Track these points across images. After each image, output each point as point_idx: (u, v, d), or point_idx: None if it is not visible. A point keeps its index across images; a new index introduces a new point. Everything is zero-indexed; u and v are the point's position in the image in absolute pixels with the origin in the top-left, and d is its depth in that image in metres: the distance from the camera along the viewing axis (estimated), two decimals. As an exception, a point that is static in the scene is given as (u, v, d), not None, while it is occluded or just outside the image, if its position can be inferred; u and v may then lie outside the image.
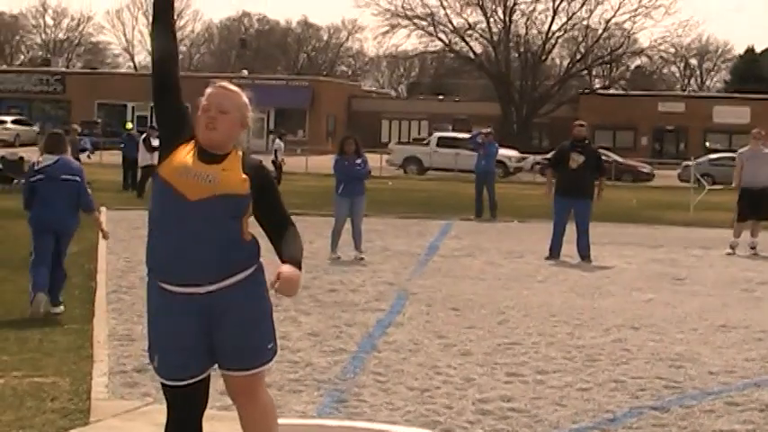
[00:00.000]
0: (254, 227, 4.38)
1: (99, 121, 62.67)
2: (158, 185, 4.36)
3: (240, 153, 4.41)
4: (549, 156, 17.02)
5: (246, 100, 4.47)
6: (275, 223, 4.42)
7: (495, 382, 7.32)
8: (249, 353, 4.36)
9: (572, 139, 15.13)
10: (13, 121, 58.61)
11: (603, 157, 16.47)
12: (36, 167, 9.57)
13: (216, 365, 4.42)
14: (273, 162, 29.58)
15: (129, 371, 7.26)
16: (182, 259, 4.25)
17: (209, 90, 4.42)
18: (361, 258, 14.08)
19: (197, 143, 4.37)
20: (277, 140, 30.83)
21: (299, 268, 4.28)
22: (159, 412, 5.03)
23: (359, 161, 14.34)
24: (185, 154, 4.34)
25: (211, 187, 4.26)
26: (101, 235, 10.21)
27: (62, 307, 9.58)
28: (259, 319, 4.38)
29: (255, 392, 4.42)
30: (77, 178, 9.54)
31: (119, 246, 14.43)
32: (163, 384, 4.44)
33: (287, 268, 4.22)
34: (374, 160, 30.25)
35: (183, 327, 4.32)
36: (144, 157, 25.36)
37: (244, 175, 4.32)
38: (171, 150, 4.36)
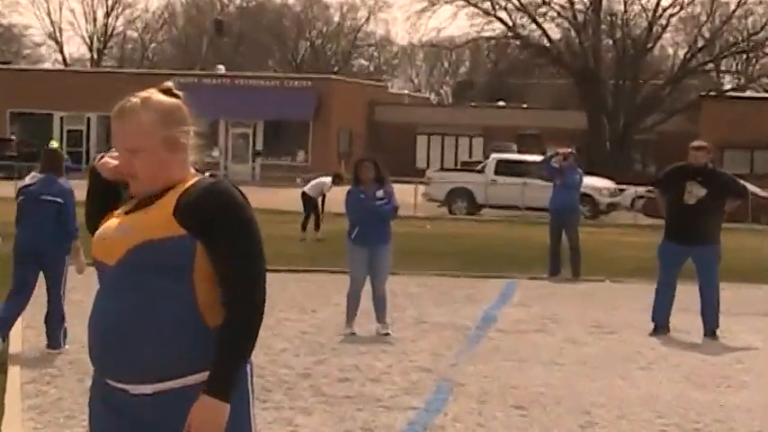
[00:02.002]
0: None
1: (13, 137, 63.09)
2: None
3: (188, 182, 4.36)
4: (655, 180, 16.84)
5: (162, 110, 4.38)
6: (221, 284, 4.31)
7: None
8: None
9: (688, 164, 15.07)
10: None
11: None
12: (21, 186, 12.05)
13: None
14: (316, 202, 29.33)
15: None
16: (105, 344, 4.31)
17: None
18: (386, 334, 14.16)
19: None
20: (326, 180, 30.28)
21: (224, 393, 4.21)
22: None
23: (381, 194, 14.35)
24: (120, 209, 4.46)
25: (125, 239, 4.29)
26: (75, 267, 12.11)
27: (66, 346, 11.88)
28: None
29: None
30: (59, 200, 11.67)
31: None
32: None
33: (197, 409, 4.19)
34: (406, 193, 30.27)
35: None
36: None
37: (170, 210, 4.28)
38: None
